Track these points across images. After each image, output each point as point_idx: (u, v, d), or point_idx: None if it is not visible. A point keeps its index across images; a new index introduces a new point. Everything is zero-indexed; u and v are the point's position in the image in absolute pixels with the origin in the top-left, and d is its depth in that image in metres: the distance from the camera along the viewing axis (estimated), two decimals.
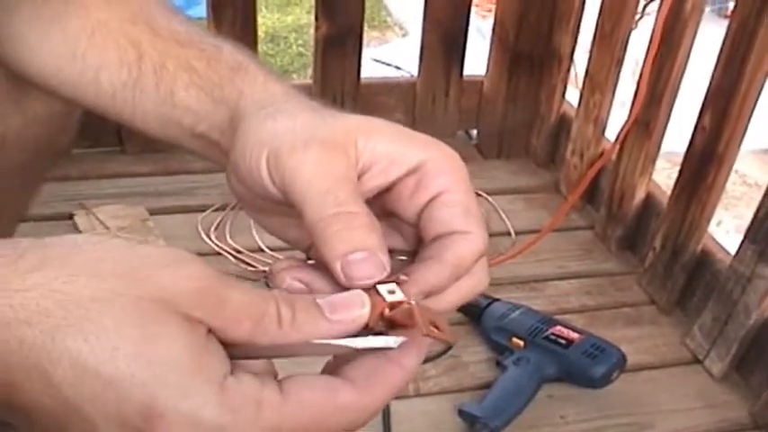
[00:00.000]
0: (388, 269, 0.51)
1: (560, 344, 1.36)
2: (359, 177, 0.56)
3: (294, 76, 3.82)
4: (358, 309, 0.49)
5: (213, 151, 0.67)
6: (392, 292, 0.51)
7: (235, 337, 0.46)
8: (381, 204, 0.59)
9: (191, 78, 0.66)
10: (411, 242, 0.59)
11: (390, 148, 0.57)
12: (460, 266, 0.55)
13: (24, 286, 0.43)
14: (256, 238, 1.55)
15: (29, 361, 0.42)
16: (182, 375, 0.43)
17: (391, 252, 0.56)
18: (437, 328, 0.50)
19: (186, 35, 0.69)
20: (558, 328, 1.39)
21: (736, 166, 1.44)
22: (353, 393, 0.48)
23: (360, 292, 0.50)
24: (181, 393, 0.43)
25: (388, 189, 0.58)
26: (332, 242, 0.51)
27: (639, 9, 1.68)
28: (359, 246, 0.51)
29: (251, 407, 0.44)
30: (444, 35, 1.93)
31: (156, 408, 0.42)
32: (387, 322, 0.50)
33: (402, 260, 0.58)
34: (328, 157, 0.54)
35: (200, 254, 1.59)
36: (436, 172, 0.57)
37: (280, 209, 0.58)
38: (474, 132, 2.09)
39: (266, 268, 1.55)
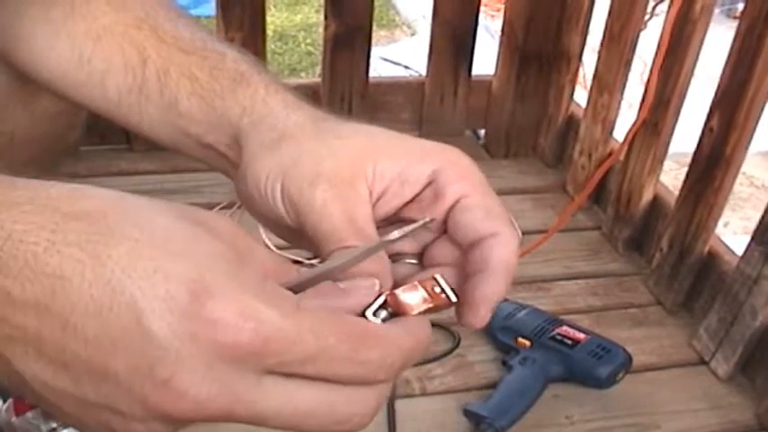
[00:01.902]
0: (388, 286, 0.53)
1: (566, 344, 1.37)
2: (375, 203, 0.59)
3: (302, 74, 3.83)
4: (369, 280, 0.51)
5: (221, 162, 0.68)
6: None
7: None
8: (402, 214, 0.61)
9: (193, 87, 0.67)
10: (421, 246, 0.61)
11: (399, 168, 0.59)
12: (509, 269, 0.57)
13: (84, 200, 0.45)
14: (264, 236, 1.55)
15: (85, 252, 0.42)
16: (228, 263, 0.44)
17: (402, 255, 0.59)
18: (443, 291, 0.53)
19: (190, 41, 0.69)
20: (564, 328, 1.40)
21: (743, 168, 1.44)
22: (382, 327, 0.48)
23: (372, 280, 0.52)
24: (229, 276, 0.43)
25: (407, 203, 0.60)
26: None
27: (648, 10, 1.67)
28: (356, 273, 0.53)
29: (292, 302, 0.45)
30: (453, 35, 1.93)
31: (205, 286, 0.42)
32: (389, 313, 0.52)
33: (412, 263, 0.61)
34: (332, 198, 0.57)
35: None
36: (450, 180, 0.59)
37: (287, 225, 0.60)
38: (482, 132, 2.09)
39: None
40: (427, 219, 0.56)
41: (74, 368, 0.43)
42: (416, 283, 0.52)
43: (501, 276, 0.56)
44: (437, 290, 0.53)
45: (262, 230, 1.53)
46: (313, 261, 0.59)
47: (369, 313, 0.51)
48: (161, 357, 0.42)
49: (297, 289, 0.48)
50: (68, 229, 0.43)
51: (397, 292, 0.52)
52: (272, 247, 1.57)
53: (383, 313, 0.51)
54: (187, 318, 0.42)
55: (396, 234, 0.53)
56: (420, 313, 0.51)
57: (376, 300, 0.51)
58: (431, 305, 0.52)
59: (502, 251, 0.57)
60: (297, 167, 0.58)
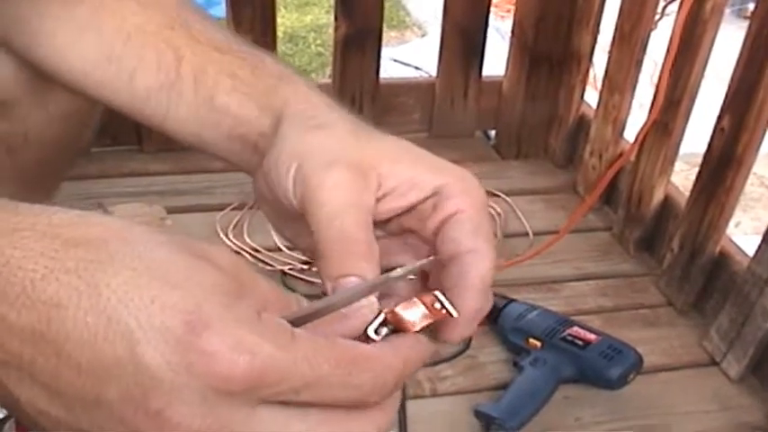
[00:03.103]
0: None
1: (577, 345, 1.36)
2: (380, 199, 0.60)
3: (313, 75, 3.83)
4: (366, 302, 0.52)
5: (245, 153, 0.68)
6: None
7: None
8: (401, 222, 0.62)
9: (234, 85, 0.68)
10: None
11: (412, 173, 0.61)
12: (485, 285, 0.58)
13: (86, 227, 0.45)
14: (274, 237, 1.56)
15: (82, 280, 0.42)
16: (226, 295, 0.44)
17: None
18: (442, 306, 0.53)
19: (225, 42, 0.71)
20: (575, 329, 1.39)
21: (754, 168, 1.44)
22: (373, 349, 0.49)
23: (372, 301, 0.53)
24: (225, 308, 0.43)
25: (408, 210, 0.62)
26: (329, 263, 0.55)
27: (659, 10, 1.67)
28: (350, 271, 0.54)
29: (287, 334, 0.45)
30: (463, 35, 1.93)
31: (201, 318, 0.42)
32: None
33: (413, 279, 0.63)
34: (345, 181, 0.58)
35: None
36: (451, 194, 0.60)
37: (299, 216, 0.61)
38: (492, 133, 2.09)
39: (283, 267, 1.56)
40: (431, 257, 0.57)
41: (67, 396, 0.43)
42: (416, 299, 0.53)
43: (479, 292, 0.58)
44: (437, 306, 0.53)
45: (272, 231, 1.54)
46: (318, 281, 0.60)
47: (370, 330, 0.51)
48: (155, 388, 0.42)
49: (298, 322, 0.48)
50: (67, 257, 0.43)
51: (398, 309, 0.52)
52: (282, 247, 1.57)
53: (384, 330, 0.52)
54: (182, 349, 0.42)
55: (400, 271, 0.54)
56: (421, 329, 0.52)
57: (376, 318, 0.52)
58: (431, 321, 0.53)
59: (479, 266, 0.58)
60: (319, 151, 0.60)
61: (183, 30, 0.71)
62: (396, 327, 0.52)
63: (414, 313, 0.52)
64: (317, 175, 0.58)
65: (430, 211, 0.61)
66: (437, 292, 0.54)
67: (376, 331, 0.51)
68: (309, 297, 0.52)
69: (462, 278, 0.57)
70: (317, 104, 0.66)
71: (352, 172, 0.58)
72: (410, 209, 0.61)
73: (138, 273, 0.43)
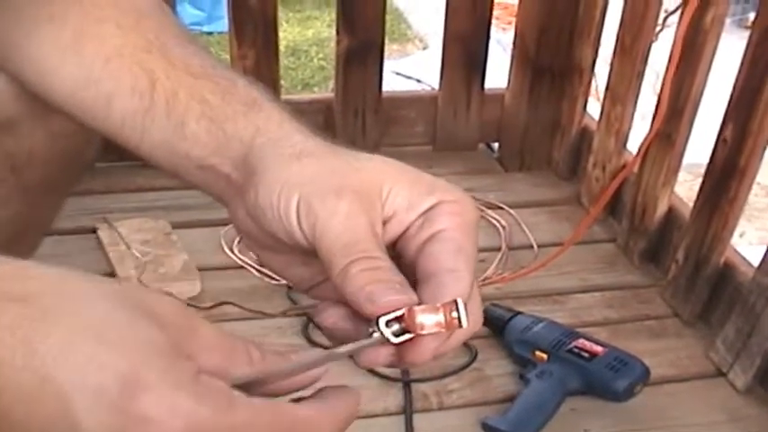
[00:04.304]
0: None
1: (583, 357, 1.36)
2: (385, 224, 0.59)
3: (315, 89, 3.84)
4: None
5: (218, 184, 0.67)
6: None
7: (206, 365, 0.47)
8: (392, 246, 0.61)
9: (203, 110, 0.66)
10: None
11: (409, 197, 0.59)
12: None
13: (24, 280, 0.45)
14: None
15: (15, 337, 0.42)
16: (164, 356, 0.44)
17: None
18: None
19: (200, 67, 0.69)
20: (581, 341, 1.39)
21: (758, 178, 1.43)
22: (311, 412, 0.49)
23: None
24: (163, 370, 0.43)
25: (403, 233, 0.60)
26: (356, 279, 0.54)
27: (660, 21, 1.68)
28: (380, 279, 0.54)
29: (224, 398, 0.45)
30: (465, 48, 1.94)
31: (138, 380, 0.42)
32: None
33: None
34: (357, 210, 0.57)
35: (224, 267, 1.60)
36: (441, 213, 0.59)
37: (288, 248, 0.60)
38: (495, 145, 2.09)
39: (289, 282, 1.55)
40: (378, 336, 0.54)
41: None
42: (439, 306, 0.53)
43: None
44: (454, 314, 0.53)
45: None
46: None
47: (381, 322, 0.52)
48: None
49: (246, 387, 0.48)
50: (3, 311, 0.43)
51: (417, 309, 0.52)
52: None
53: (395, 326, 0.52)
54: (117, 411, 0.42)
55: (346, 348, 0.54)
56: (427, 334, 0.53)
57: (394, 311, 0.52)
58: (442, 330, 0.53)
59: (456, 288, 0.56)
60: (319, 180, 0.58)
61: (159, 53, 0.70)
62: (407, 326, 0.52)
63: (429, 318, 0.52)
64: (327, 206, 0.57)
65: (417, 229, 0.59)
66: (458, 300, 0.53)
67: (387, 324, 0.52)
68: (313, 309, 0.52)
69: (437, 298, 0.55)
70: (289, 131, 0.64)
71: (360, 200, 0.57)
72: (405, 231, 0.60)
73: (73, 331, 0.43)
